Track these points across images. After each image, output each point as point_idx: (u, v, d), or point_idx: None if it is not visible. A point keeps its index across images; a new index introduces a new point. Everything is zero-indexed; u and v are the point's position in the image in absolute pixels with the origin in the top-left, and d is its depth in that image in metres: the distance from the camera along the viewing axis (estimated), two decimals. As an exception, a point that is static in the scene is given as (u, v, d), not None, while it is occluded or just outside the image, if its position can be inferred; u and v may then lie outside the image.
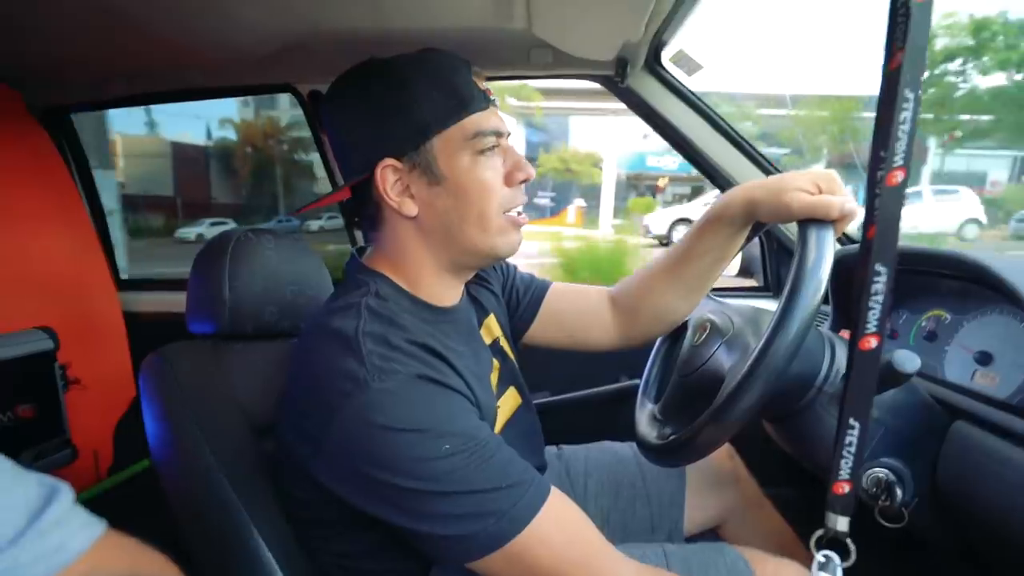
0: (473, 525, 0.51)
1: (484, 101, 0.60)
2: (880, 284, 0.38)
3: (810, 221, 0.58)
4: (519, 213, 0.65)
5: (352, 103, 0.62)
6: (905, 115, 0.35)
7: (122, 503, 1.37)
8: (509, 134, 0.64)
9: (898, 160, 0.36)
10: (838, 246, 0.82)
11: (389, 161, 0.60)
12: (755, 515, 0.95)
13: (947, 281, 0.83)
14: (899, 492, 0.64)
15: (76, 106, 1.41)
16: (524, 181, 0.64)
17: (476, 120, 0.60)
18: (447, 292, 0.69)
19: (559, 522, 0.55)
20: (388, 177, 0.61)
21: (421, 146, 0.60)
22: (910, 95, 0.35)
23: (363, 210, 0.66)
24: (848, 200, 0.58)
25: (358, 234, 1.49)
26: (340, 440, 0.53)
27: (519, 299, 0.86)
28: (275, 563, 0.65)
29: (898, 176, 0.36)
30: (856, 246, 1.01)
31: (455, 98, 0.59)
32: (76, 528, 0.35)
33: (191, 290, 0.81)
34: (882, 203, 0.36)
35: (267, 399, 0.77)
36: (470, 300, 0.77)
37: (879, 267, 0.38)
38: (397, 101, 0.59)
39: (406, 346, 0.57)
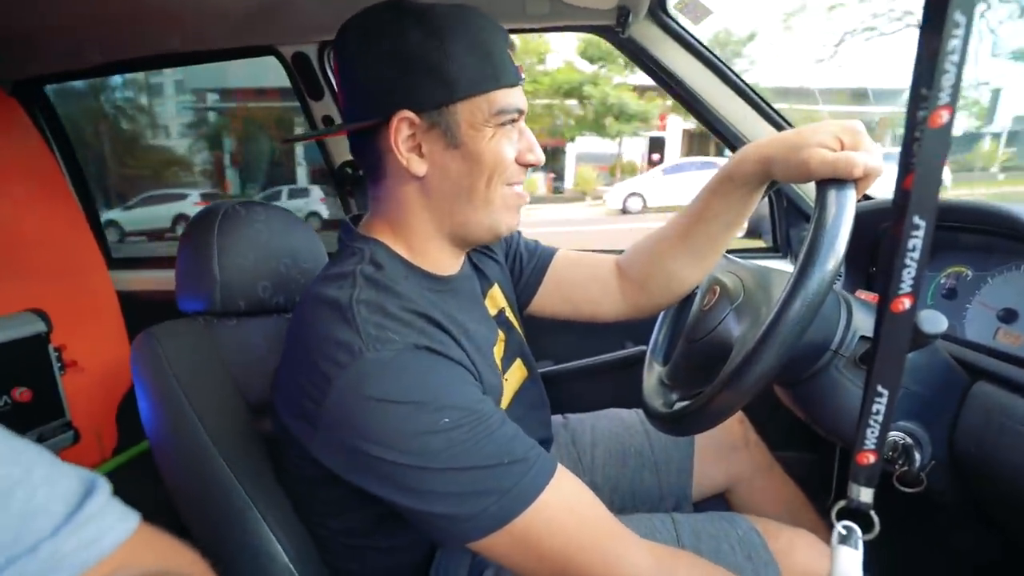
0: (474, 504, 0.49)
1: (516, 77, 0.59)
2: (918, 239, 0.34)
3: (830, 181, 0.53)
4: (523, 190, 0.64)
5: (377, 42, 0.56)
6: (955, 44, 0.31)
7: (125, 484, 1.37)
8: (524, 113, 0.63)
9: (944, 98, 0.31)
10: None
11: (406, 114, 0.56)
12: (765, 481, 0.93)
13: (968, 235, 0.79)
14: (917, 456, 0.62)
15: (50, 77, 1.35)
16: (533, 164, 0.63)
17: (505, 95, 0.58)
18: (447, 260, 0.65)
19: (567, 501, 0.53)
20: (402, 130, 0.57)
21: (445, 107, 0.56)
22: (961, 19, 0.30)
23: (365, 160, 0.63)
24: (873, 156, 0.53)
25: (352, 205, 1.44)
26: (334, 414, 0.51)
27: (523, 267, 0.83)
28: (276, 541, 0.64)
29: (943, 116, 0.32)
30: (874, 201, 0.97)
31: (490, 67, 0.56)
32: (113, 521, 0.35)
33: (179, 267, 0.79)
34: (923, 147, 0.32)
35: (263, 377, 0.76)
36: (472, 269, 0.74)
37: (917, 220, 0.34)
38: (430, 55, 0.55)
39: (403, 315, 0.54)
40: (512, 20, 1.07)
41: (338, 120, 1.30)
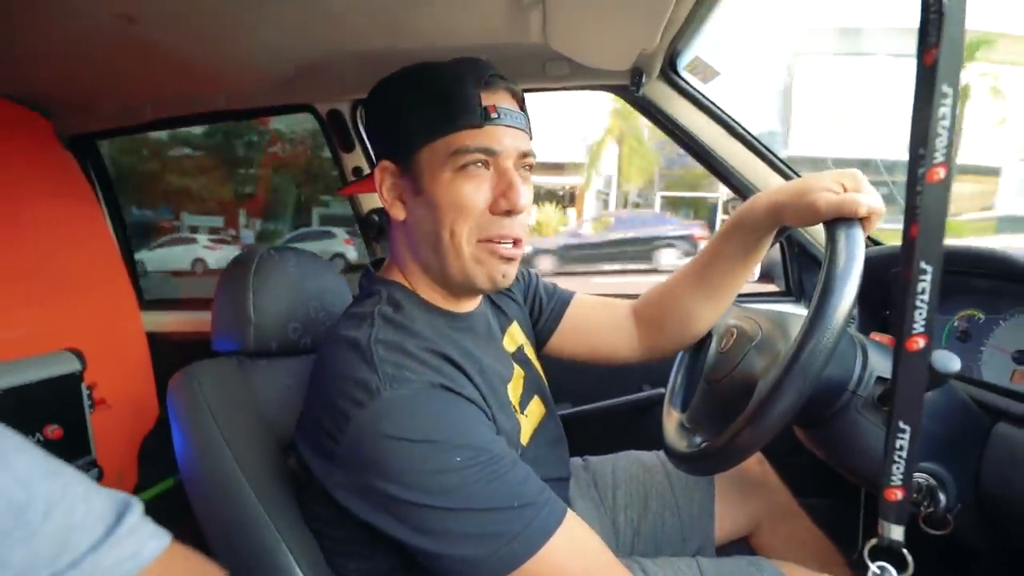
0: (482, 546, 0.50)
1: (479, 118, 0.57)
2: (926, 282, 0.38)
3: (838, 220, 0.58)
4: (510, 244, 0.61)
5: (375, 105, 0.65)
6: (944, 111, 0.35)
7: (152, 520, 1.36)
8: (528, 155, 0.61)
9: (939, 157, 0.35)
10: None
11: (385, 163, 0.63)
12: (789, 525, 0.92)
13: (977, 280, 0.81)
14: (942, 497, 0.62)
15: (103, 132, 1.45)
16: (507, 212, 0.59)
17: (462, 136, 0.57)
18: (453, 301, 0.68)
19: (575, 548, 0.53)
20: (385, 179, 0.64)
21: (413, 154, 0.60)
22: (948, 90, 0.35)
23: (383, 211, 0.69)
24: (874, 197, 0.58)
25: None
26: (352, 451, 0.52)
27: (541, 308, 0.86)
28: None
29: (940, 172, 0.36)
30: (883, 247, 1.00)
31: (444, 112, 0.58)
32: (147, 537, 0.37)
33: (217, 308, 0.82)
34: (924, 200, 0.36)
35: (291, 416, 0.77)
36: (491, 306, 0.77)
37: (924, 265, 0.37)
38: (396, 109, 0.62)
39: (421, 353, 0.56)
40: (533, 81, 1.15)
41: (367, 170, 1.38)
